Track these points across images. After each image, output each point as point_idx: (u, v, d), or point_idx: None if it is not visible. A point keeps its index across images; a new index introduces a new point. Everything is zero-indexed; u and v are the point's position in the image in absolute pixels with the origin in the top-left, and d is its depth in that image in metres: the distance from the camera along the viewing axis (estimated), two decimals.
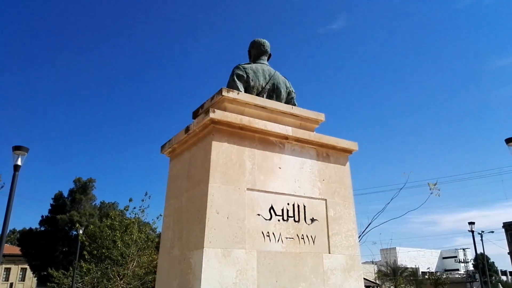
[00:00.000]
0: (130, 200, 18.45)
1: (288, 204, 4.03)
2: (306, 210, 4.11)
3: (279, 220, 3.92)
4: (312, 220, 4.12)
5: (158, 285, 4.17)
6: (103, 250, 17.62)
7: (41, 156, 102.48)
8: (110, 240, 17.64)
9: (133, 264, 17.75)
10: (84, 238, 19.53)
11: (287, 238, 3.90)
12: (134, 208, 18.57)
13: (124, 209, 18.15)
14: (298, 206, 4.09)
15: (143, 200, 19.05)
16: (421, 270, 51.88)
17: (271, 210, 3.91)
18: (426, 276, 41.98)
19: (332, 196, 4.34)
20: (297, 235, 3.98)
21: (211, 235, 3.50)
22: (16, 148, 11.33)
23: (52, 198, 49.17)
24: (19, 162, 11.12)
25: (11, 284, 30.73)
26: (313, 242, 4.04)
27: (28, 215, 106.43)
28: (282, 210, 3.98)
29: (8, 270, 55.05)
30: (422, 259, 61.77)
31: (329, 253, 4.09)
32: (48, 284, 26.02)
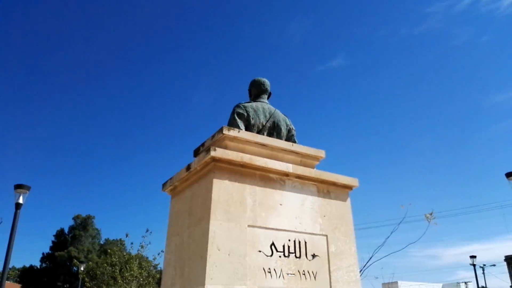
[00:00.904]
0: (127, 235, 18.44)
1: (289, 240, 4.08)
2: (307, 246, 4.15)
3: (280, 256, 3.96)
4: (313, 256, 4.15)
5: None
6: (104, 287, 17.37)
7: (42, 192, 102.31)
8: (109, 277, 17.42)
9: None
10: (84, 275, 19.31)
11: (288, 274, 3.93)
12: (132, 243, 18.45)
13: (119, 243, 18.04)
14: (299, 242, 4.13)
15: (143, 237, 18.98)
16: None
17: (272, 247, 3.96)
18: None
19: (333, 232, 4.39)
20: (299, 271, 4.00)
21: (212, 271, 3.54)
22: (18, 186, 11.39)
23: (53, 235, 48.98)
24: (20, 201, 11.17)
25: None
26: (315, 278, 4.06)
27: (28, 252, 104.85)
28: (283, 246, 4.02)
29: None
30: None
31: None
32: None
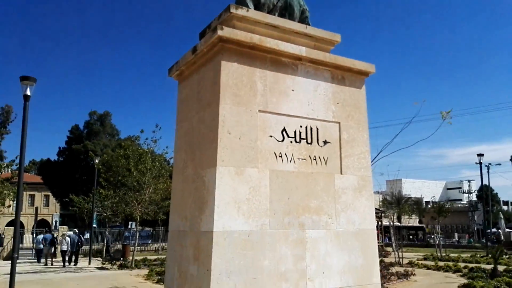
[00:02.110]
0: (142, 131, 18.76)
1: (301, 126, 3.99)
2: (319, 133, 4.07)
3: (291, 142, 3.90)
4: (325, 142, 4.10)
5: (173, 204, 4.31)
6: (119, 178, 18.25)
7: (55, 89, 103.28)
8: (125, 169, 18.20)
9: (149, 191, 18.45)
10: (100, 166, 20.17)
11: (299, 159, 3.91)
12: (146, 139, 18.90)
13: (136, 139, 18.47)
14: (311, 128, 4.04)
15: (154, 132, 19.35)
16: (425, 199, 53.18)
17: (284, 132, 3.88)
18: (430, 205, 43.18)
19: (346, 119, 4.27)
20: (310, 156, 3.98)
21: (224, 154, 3.52)
22: (24, 78, 11.25)
23: (68, 130, 50.33)
24: (28, 92, 11.11)
25: (36, 209, 32.60)
26: (325, 163, 4.05)
27: (46, 147, 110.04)
28: (295, 132, 3.94)
29: (32, 197, 58.21)
30: (427, 190, 63.08)
31: (341, 173, 4.12)
32: (70, 208, 27.45)
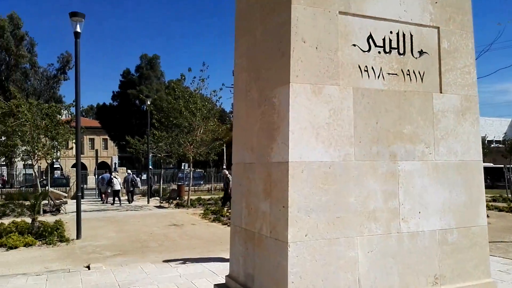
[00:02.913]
0: (189, 70, 18.26)
1: (391, 32, 3.15)
2: (413, 40, 3.22)
3: (379, 52, 3.10)
4: (421, 52, 3.25)
5: (236, 133, 3.74)
6: (171, 119, 18.19)
7: (106, 34, 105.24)
8: (176, 110, 18.04)
9: (200, 131, 18.32)
10: (151, 107, 20.21)
11: (389, 74, 3.13)
12: (194, 77, 18.42)
13: (182, 78, 18.04)
14: (404, 35, 3.19)
15: (202, 70, 18.80)
16: (488, 138, 49.90)
17: (370, 40, 3.08)
18: (493, 144, 40.41)
19: (447, 23, 3.36)
20: (402, 70, 3.18)
21: (298, 68, 2.82)
22: (73, 14, 10.95)
23: (120, 75, 51.31)
24: (78, 29, 10.82)
25: (96, 151, 34.30)
26: (421, 79, 3.24)
27: (102, 93, 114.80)
28: (384, 39, 3.12)
29: (92, 140, 61.59)
30: (490, 128, 58.92)
31: (441, 92, 3.29)
32: (128, 149, 28.42)
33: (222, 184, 34.27)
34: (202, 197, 22.02)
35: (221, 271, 6.50)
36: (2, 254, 8.29)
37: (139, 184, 25.25)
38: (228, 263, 7.07)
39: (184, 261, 7.30)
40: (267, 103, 3.15)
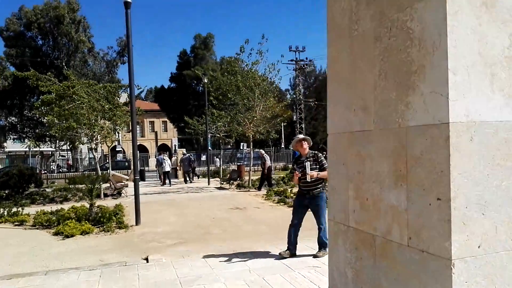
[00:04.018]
0: (247, 41, 17.04)
1: None
2: None
3: None
4: None
5: (334, 90, 2.56)
6: (229, 96, 17.30)
7: (160, 16, 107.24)
8: (233, 85, 17.10)
9: (259, 108, 17.28)
10: (208, 85, 19.43)
11: None
12: (252, 49, 17.23)
13: (241, 50, 16.86)
14: None
15: (260, 44, 17.58)
16: None
17: None
18: None
19: None
20: None
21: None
22: None
23: (177, 56, 51.53)
24: None
25: (156, 133, 34.67)
26: None
27: (161, 75, 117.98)
28: None
29: (152, 123, 63.22)
30: None
31: None
32: (186, 130, 28.25)
33: (281, 164, 33.52)
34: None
35: (296, 264, 5.53)
36: (58, 244, 7.88)
37: (195, 164, 25.43)
38: (304, 256, 5.74)
39: (252, 251, 6.36)
40: (394, 31, 1.92)
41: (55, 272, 5.73)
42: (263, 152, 17.86)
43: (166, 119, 58.28)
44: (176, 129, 56.90)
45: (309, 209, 5.96)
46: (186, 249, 6.91)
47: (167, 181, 21.33)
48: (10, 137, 43.63)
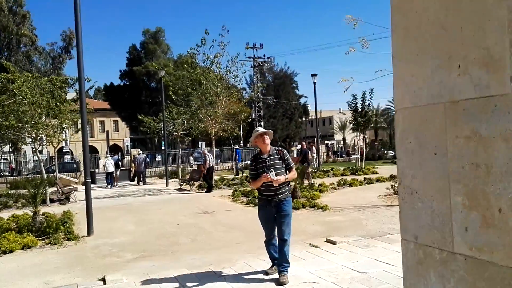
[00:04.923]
0: (206, 32, 15.85)
1: None
2: None
3: None
4: None
5: (409, 40, 1.66)
6: (189, 90, 16.13)
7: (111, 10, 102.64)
8: (194, 80, 15.95)
9: (222, 104, 16.24)
10: (167, 79, 18.11)
11: None
12: (214, 41, 16.11)
13: (203, 42, 15.69)
14: None
15: (221, 35, 16.50)
16: None
17: None
18: None
19: None
20: None
21: None
22: None
23: (127, 52, 49.16)
24: None
25: (107, 133, 32.56)
26: None
27: (110, 73, 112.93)
28: None
29: (102, 122, 60.03)
30: None
31: None
32: (141, 129, 26.62)
33: (245, 163, 32.65)
34: (225, 177, 20.19)
35: (290, 280, 4.60)
36: None
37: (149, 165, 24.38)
38: (298, 271, 4.86)
39: (232, 266, 5.40)
40: None
41: None
42: (205, 151, 17.14)
43: (117, 118, 55.46)
44: (128, 128, 54.32)
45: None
46: (151, 264, 5.82)
47: (108, 180, 21.21)
48: None
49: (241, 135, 41.55)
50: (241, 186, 15.63)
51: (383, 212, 8.93)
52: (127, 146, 51.65)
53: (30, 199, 8.90)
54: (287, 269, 4.68)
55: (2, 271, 5.91)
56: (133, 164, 23.30)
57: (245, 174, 20.31)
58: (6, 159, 39.59)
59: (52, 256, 6.66)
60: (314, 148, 24.37)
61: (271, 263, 4.97)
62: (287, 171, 4.78)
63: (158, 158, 38.32)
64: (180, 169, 22.55)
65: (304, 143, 18.66)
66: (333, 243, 6.25)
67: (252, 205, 10.87)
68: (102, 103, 54.67)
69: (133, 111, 42.73)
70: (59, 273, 5.65)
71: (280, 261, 4.71)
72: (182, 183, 18.83)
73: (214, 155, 18.17)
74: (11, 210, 12.39)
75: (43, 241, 7.60)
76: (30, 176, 23.76)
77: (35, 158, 33.05)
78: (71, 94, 16.16)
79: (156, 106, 40.64)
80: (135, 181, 22.24)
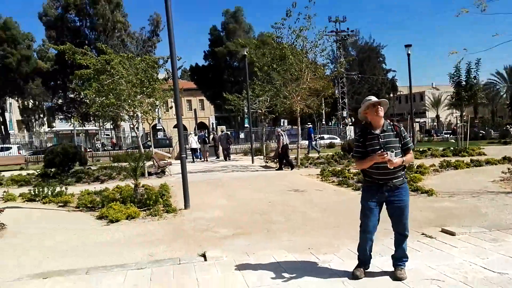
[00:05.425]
0: (294, 4, 15.22)
1: None
2: None
3: None
4: None
5: None
6: (274, 66, 15.83)
7: None
8: (278, 55, 15.58)
9: (307, 79, 15.70)
10: (251, 55, 17.99)
11: None
12: (299, 14, 15.45)
13: (286, 15, 15.15)
14: None
15: (306, 7, 15.78)
16: None
17: None
18: None
19: None
20: None
21: None
22: None
23: (208, 33, 50.23)
24: None
25: (195, 111, 33.85)
26: None
27: (196, 54, 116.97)
28: None
29: (189, 102, 62.91)
30: None
31: None
32: (226, 107, 27.21)
33: (328, 142, 32.03)
34: (309, 155, 19.85)
35: (411, 277, 4.02)
36: (102, 230, 6.95)
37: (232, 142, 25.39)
38: (416, 264, 4.25)
39: (335, 250, 5.10)
40: None
41: (97, 271, 4.74)
42: (279, 129, 16.85)
43: (203, 97, 57.60)
44: (213, 106, 56.17)
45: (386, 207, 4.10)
46: (247, 242, 5.74)
47: (194, 158, 22.68)
48: (58, 117, 45.10)
49: (323, 112, 40.60)
50: (328, 165, 15.18)
51: (504, 200, 7.79)
52: (212, 123, 53.48)
53: (131, 172, 9.43)
54: (404, 263, 4.13)
55: (111, 240, 6.29)
56: (218, 141, 24.10)
57: (321, 154, 19.74)
58: (108, 135, 43.66)
59: (153, 228, 6.96)
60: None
61: (358, 263, 4.23)
62: (404, 152, 4.00)
63: (242, 135, 39.09)
64: (264, 146, 22.66)
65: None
66: (452, 234, 5.50)
67: (345, 186, 10.40)
68: (189, 83, 57.02)
69: (217, 90, 43.96)
70: (161, 245, 5.84)
71: (397, 255, 4.14)
72: (267, 161, 18.88)
73: (300, 133, 17.86)
74: (115, 181, 13.41)
75: (144, 212, 8.01)
76: (129, 150, 25.73)
77: (133, 134, 35.79)
78: (161, 75, 16.85)
79: (238, 85, 41.24)
80: (220, 157, 23.20)
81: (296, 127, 20.13)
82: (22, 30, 43.21)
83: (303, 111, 16.46)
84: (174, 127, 45.33)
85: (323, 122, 45.01)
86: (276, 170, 15.60)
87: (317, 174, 12.91)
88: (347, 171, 12.52)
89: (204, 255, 5.09)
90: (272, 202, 8.79)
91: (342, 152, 18.35)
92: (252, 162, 19.24)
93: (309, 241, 5.61)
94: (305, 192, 9.98)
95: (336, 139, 35.46)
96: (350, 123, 44.63)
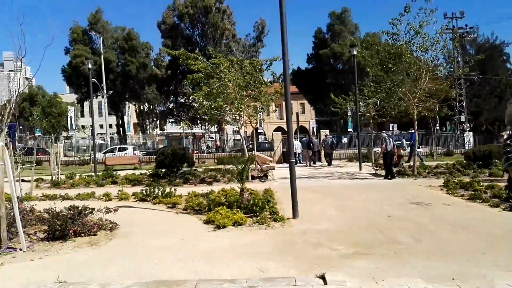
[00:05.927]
0: None
1: None
2: None
3: None
4: None
5: None
6: (390, 65, 14.48)
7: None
8: (394, 54, 14.23)
9: (426, 80, 14.05)
10: (363, 54, 16.80)
11: None
12: (420, 9, 13.98)
13: (405, 11, 13.75)
14: None
15: (427, 1, 14.17)
16: None
17: None
18: None
19: None
20: None
21: None
22: None
23: (312, 36, 49.58)
24: None
25: (297, 114, 33.42)
26: None
27: (297, 57, 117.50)
28: None
29: (290, 105, 62.65)
30: None
31: None
32: (332, 109, 26.20)
33: (447, 148, 29.02)
34: (425, 163, 17.86)
35: None
36: (208, 236, 6.65)
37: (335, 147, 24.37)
38: None
39: (489, 282, 4.00)
40: None
41: (207, 284, 4.31)
42: (385, 135, 15.11)
43: (304, 101, 57.06)
44: (314, 110, 55.28)
45: None
46: (374, 266, 4.85)
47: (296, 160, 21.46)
48: (169, 120, 48.90)
49: (437, 117, 37.01)
50: (450, 176, 13.33)
51: None
52: (313, 127, 52.59)
53: (237, 175, 9.14)
54: None
55: (218, 248, 5.91)
56: (322, 146, 23.26)
57: (439, 163, 17.53)
58: (213, 137, 45.74)
59: (261, 238, 6.44)
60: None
61: None
62: None
63: (344, 140, 37.49)
64: (372, 152, 21.14)
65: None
66: None
67: (478, 201, 8.81)
68: (291, 87, 56.91)
69: (319, 93, 42.97)
70: (271, 259, 5.25)
71: None
72: (377, 168, 17.45)
73: (416, 138, 16.12)
74: (219, 183, 13.44)
75: (250, 219, 7.57)
76: (232, 153, 26.21)
77: (236, 137, 36.65)
78: (266, 78, 16.67)
79: (341, 89, 39.76)
80: (322, 162, 22.40)
81: (412, 130, 18.27)
82: (142, 40, 47.43)
83: (420, 114, 14.79)
84: (275, 130, 45.63)
85: (437, 128, 41.09)
86: (385, 178, 14.19)
87: (440, 186, 11.31)
88: (476, 183, 10.72)
89: (323, 277, 4.36)
90: (392, 217, 7.69)
91: (465, 161, 16.12)
92: (360, 169, 17.94)
93: (451, 270, 4.54)
94: (430, 206, 8.64)
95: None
96: (469, 129, 40.12)
